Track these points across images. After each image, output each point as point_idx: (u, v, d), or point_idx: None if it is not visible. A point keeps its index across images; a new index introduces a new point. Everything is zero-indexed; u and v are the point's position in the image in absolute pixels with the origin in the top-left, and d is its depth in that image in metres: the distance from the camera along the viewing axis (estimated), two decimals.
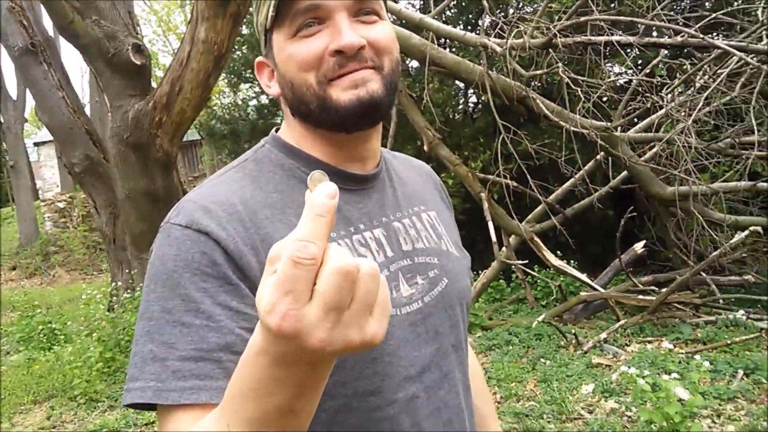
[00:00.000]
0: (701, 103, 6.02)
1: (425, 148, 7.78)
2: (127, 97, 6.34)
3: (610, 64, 8.08)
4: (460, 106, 13.04)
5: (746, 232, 5.68)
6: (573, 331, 5.66)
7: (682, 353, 4.91)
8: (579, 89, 6.63)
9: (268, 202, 0.84)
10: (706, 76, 6.38)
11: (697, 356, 4.04)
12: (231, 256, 0.76)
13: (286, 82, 0.88)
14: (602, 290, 6.19)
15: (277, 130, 0.96)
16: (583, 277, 6.29)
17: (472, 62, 7.22)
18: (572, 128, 6.41)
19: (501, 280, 7.57)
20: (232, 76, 11.85)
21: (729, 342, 4.96)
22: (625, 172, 7.42)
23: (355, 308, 0.51)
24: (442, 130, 8.58)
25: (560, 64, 5.98)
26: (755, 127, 6.17)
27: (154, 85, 6.85)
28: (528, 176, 7.21)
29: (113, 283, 7.71)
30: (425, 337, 0.89)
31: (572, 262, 6.89)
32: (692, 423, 3.49)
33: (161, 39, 28.03)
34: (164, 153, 6.40)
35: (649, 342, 5.35)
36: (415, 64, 10.12)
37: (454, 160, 7.80)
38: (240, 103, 12.39)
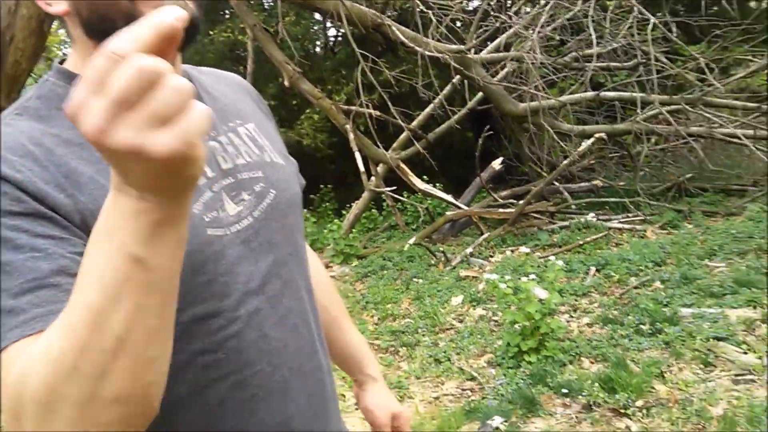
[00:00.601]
0: (544, 18, 6.25)
1: (286, 83, 7.60)
2: None
3: None
4: (320, 40, 12.83)
5: (591, 140, 6.09)
6: (442, 249, 5.88)
7: (540, 257, 5.27)
8: (431, 12, 6.69)
9: (63, 139, 0.75)
10: None
11: (552, 257, 4.34)
12: (35, 196, 0.68)
13: None
14: (466, 208, 6.45)
15: (62, 63, 0.86)
16: (448, 197, 6.53)
17: None
18: (427, 53, 6.48)
19: (373, 210, 7.69)
20: None
21: (581, 243, 5.38)
22: (480, 93, 7.66)
23: (144, 111, 0.47)
24: (303, 64, 8.40)
25: None
26: (594, 40, 6.55)
27: None
28: (390, 105, 7.28)
29: None
30: (260, 251, 0.87)
31: (437, 184, 7.10)
32: (552, 319, 3.78)
33: None
34: (0, 109, 5.80)
35: (511, 251, 5.68)
36: None
37: (317, 94, 7.69)
38: None
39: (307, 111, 9.65)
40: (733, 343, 3.44)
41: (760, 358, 3.28)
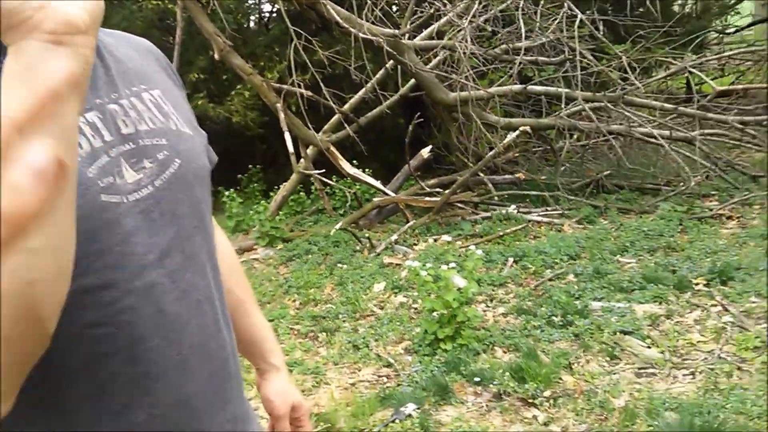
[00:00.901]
0: (476, 8, 6.31)
1: (216, 56, 7.38)
2: None
3: None
4: (254, 14, 12.51)
5: (516, 133, 6.22)
6: (367, 235, 5.90)
7: (462, 247, 5.36)
8: None
9: None
10: None
11: (472, 247, 4.42)
12: None
13: None
14: (393, 195, 6.48)
15: None
16: (376, 183, 6.54)
17: None
18: (362, 35, 6.44)
19: (301, 193, 7.61)
20: None
21: (501, 234, 5.50)
22: (412, 80, 7.67)
23: None
24: (235, 38, 8.18)
25: None
26: (524, 34, 6.67)
27: None
28: (323, 86, 7.19)
29: None
30: (161, 222, 0.84)
31: (367, 170, 7.10)
32: (469, 308, 3.86)
33: None
34: None
35: (435, 240, 5.75)
36: None
37: (248, 70, 7.51)
38: None
39: (238, 87, 9.41)
40: (638, 337, 3.60)
41: (662, 352, 3.45)
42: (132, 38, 1.03)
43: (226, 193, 7.16)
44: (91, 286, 0.75)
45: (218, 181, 8.55)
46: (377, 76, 7.80)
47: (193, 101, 9.40)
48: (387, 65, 7.75)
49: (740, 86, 7.70)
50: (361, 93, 7.90)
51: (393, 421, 3.09)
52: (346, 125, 7.50)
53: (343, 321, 4.36)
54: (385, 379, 3.58)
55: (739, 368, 3.21)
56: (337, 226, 6.12)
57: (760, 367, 3.18)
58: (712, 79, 7.75)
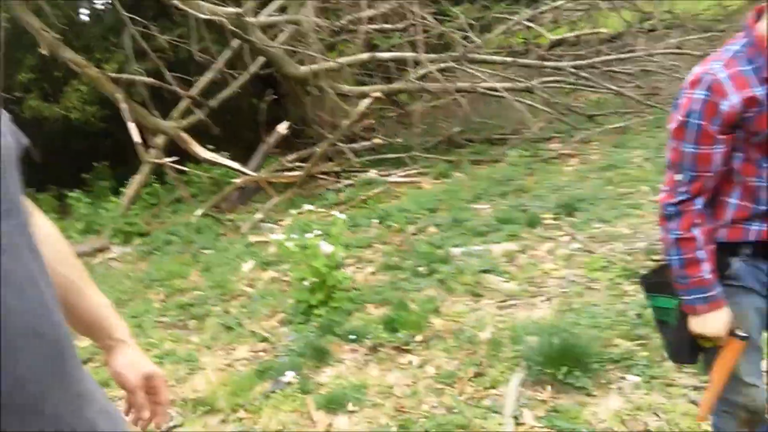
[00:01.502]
0: None
1: (44, 52, 6.84)
2: None
3: None
4: (86, 6, 11.70)
5: (369, 100, 6.29)
6: (231, 217, 5.76)
7: (327, 215, 5.36)
8: None
9: None
10: None
11: (336, 212, 4.43)
12: None
13: None
14: (254, 174, 6.36)
15: None
16: (235, 164, 6.37)
17: None
18: (202, 16, 6.22)
19: (155, 184, 7.27)
20: None
21: (364, 198, 5.58)
22: (262, 57, 7.53)
23: None
24: (66, 32, 7.67)
25: None
26: (367, 3, 6.75)
27: None
28: (167, 72, 6.89)
29: None
30: None
31: (225, 152, 6.90)
32: (338, 272, 3.87)
33: None
34: None
35: (300, 213, 5.72)
36: None
37: (82, 62, 7.02)
38: None
39: (74, 82, 8.81)
40: (497, 274, 3.80)
41: (520, 284, 3.66)
42: None
43: (72, 194, 6.70)
44: None
45: (62, 183, 8.04)
46: (224, 56, 7.59)
47: (25, 103, 8.68)
48: (232, 44, 7.56)
49: (572, 34, 8.23)
50: (208, 75, 7.66)
51: (273, 392, 3.06)
52: (195, 110, 7.25)
53: (213, 305, 4.23)
54: (262, 354, 3.52)
55: (588, 288, 3.47)
56: (198, 213, 5.93)
57: (607, 283, 3.46)
58: (548, 32, 8.23)
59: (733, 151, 1.44)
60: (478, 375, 2.87)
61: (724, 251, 1.52)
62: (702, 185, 1.46)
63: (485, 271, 3.82)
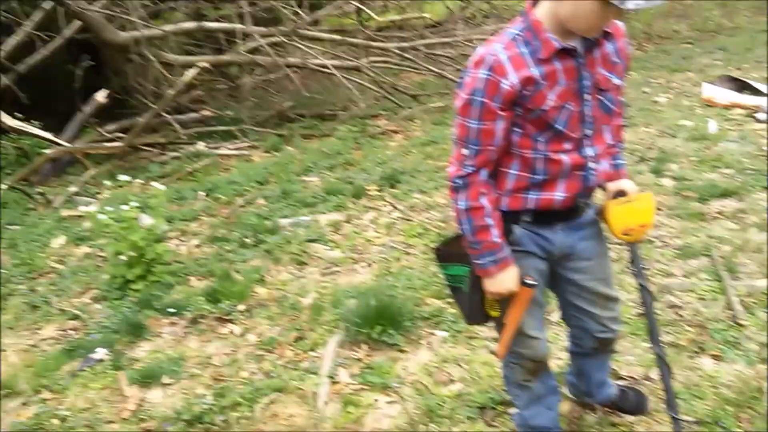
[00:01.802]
0: None
1: None
2: None
3: None
4: None
5: (195, 70, 6.05)
6: (41, 191, 5.30)
7: (148, 186, 5.11)
8: None
9: None
10: None
11: (155, 183, 4.25)
12: None
13: None
14: (68, 145, 5.88)
15: None
16: (46, 134, 5.84)
17: None
18: None
19: None
20: None
21: (190, 170, 5.39)
22: (78, 21, 6.93)
23: None
24: None
25: None
26: None
27: None
28: None
29: None
30: None
31: (35, 122, 6.29)
32: (159, 245, 3.72)
33: None
34: None
35: (121, 186, 5.40)
36: None
37: None
38: None
39: None
40: (322, 243, 3.88)
41: (343, 252, 3.76)
42: None
43: None
44: None
45: None
46: (34, 18, 6.89)
47: None
48: (44, 5, 6.88)
49: (399, 17, 8.47)
50: (15, 38, 6.91)
51: (82, 370, 2.90)
52: (2, 75, 6.54)
53: (18, 284, 3.89)
54: (72, 332, 3.31)
55: (406, 253, 3.66)
56: (3, 186, 5.38)
57: (423, 248, 3.66)
58: (377, 15, 8.40)
59: (513, 126, 1.56)
60: (298, 339, 2.93)
61: (507, 219, 1.67)
62: (486, 158, 1.58)
63: (311, 241, 3.89)
